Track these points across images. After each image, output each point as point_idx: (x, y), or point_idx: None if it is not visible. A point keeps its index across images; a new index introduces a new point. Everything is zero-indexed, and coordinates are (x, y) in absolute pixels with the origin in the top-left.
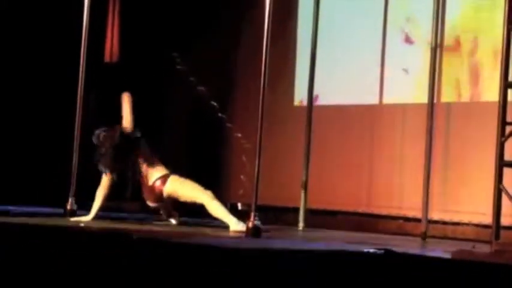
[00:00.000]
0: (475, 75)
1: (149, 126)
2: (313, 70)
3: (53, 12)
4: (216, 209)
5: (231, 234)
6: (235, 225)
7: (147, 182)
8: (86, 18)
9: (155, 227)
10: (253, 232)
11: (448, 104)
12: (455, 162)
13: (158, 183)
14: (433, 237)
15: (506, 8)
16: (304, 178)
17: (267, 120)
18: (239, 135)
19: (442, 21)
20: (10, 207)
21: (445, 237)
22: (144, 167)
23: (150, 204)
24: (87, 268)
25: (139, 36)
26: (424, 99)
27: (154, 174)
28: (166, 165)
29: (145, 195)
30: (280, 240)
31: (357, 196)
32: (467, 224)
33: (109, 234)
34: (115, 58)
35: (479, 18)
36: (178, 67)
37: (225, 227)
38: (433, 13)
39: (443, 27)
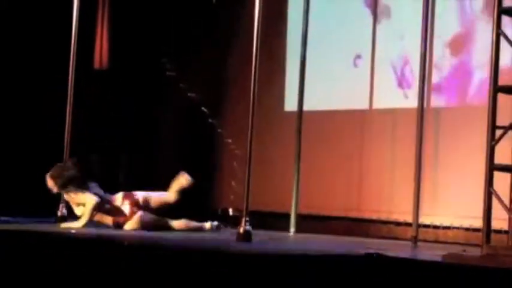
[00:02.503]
0: (464, 79)
1: (140, 133)
2: (303, 75)
3: (42, 19)
4: (182, 221)
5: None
6: (210, 225)
7: (116, 206)
8: (75, 25)
9: (146, 233)
10: (244, 237)
11: (438, 109)
12: (445, 166)
13: (126, 199)
14: (424, 241)
15: (495, 13)
16: (294, 183)
17: (258, 125)
18: (230, 140)
19: (431, 26)
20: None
21: (435, 241)
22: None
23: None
24: (78, 275)
25: (129, 42)
26: (413, 104)
27: (117, 197)
28: (157, 172)
29: (123, 221)
30: (271, 245)
31: (347, 201)
32: (457, 228)
33: (100, 240)
34: (105, 65)
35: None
36: (168, 73)
37: (218, 231)
38: (422, 19)
39: (433, 34)
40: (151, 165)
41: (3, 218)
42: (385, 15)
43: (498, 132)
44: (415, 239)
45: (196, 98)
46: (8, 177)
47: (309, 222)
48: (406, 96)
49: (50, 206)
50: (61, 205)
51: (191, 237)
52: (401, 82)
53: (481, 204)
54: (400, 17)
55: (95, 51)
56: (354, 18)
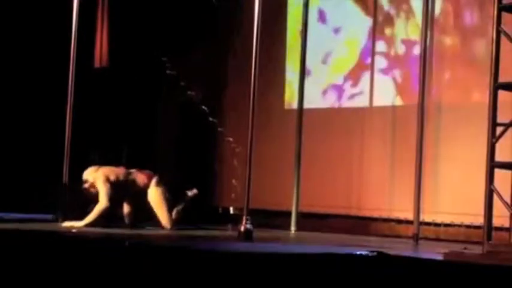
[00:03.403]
0: (465, 77)
1: (140, 132)
2: (303, 74)
3: (42, 19)
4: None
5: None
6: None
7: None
8: (75, 24)
9: (147, 232)
10: (245, 236)
11: (438, 106)
12: (446, 163)
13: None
14: (425, 238)
15: (495, 10)
16: (295, 181)
17: (258, 124)
18: (230, 139)
19: (431, 23)
20: (1, 214)
21: (437, 239)
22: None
23: None
24: (80, 274)
25: (129, 41)
26: (414, 101)
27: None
28: (158, 171)
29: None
30: (272, 244)
31: (348, 199)
32: (458, 226)
33: (101, 239)
34: (104, 63)
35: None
36: (169, 72)
37: (216, 230)
38: (422, 16)
39: (433, 29)
40: (151, 164)
41: (5, 217)
42: (385, 17)
43: (499, 130)
44: (416, 237)
45: (197, 96)
46: (8, 175)
47: (310, 221)
48: (406, 95)
49: (49, 204)
50: None
51: (192, 236)
52: (402, 80)
53: (482, 201)
54: (399, 18)
55: (95, 50)
56: (354, 19)
